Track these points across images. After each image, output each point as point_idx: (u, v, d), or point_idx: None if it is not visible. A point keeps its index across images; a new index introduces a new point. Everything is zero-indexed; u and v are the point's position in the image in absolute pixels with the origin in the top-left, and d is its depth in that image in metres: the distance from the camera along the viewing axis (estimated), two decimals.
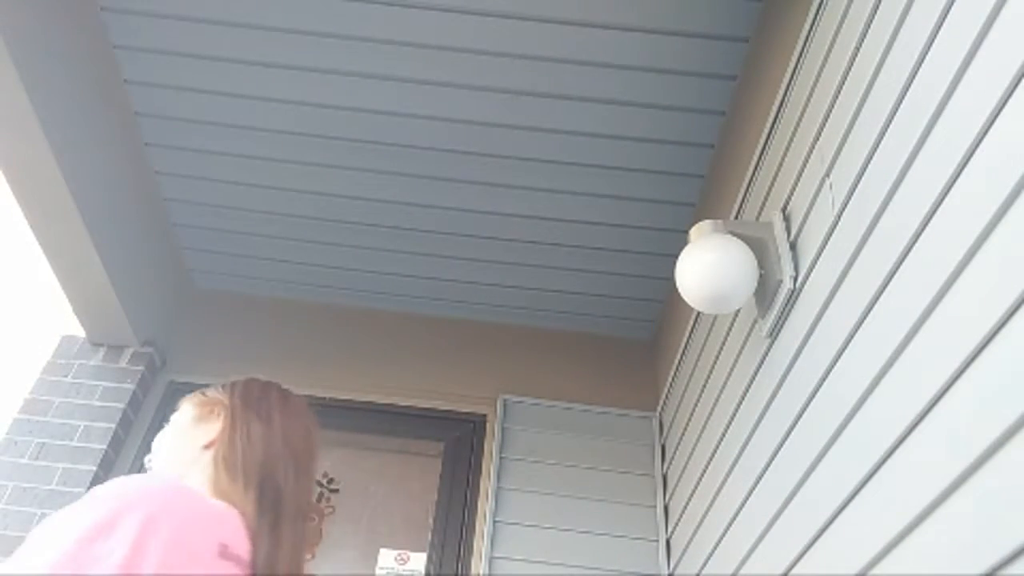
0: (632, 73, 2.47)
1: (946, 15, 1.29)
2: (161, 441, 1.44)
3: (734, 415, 2.12)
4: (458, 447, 3.03)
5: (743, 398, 2.06)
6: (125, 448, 2.92)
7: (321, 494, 2.94)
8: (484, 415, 3.08)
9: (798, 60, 1.91)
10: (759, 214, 2.07)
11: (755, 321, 1.98)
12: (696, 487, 2.42)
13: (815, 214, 1.73)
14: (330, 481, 2.99)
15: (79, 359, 3.05)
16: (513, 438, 2.99)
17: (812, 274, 1.71)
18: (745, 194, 2.21)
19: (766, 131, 2.08)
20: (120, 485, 1.11)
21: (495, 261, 3.10)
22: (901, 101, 1.42)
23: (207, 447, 1.36)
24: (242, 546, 1.17)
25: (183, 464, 1.35)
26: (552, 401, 3.10)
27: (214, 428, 1.39)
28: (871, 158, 1.50)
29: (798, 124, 1.87)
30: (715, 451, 2.26)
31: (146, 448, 2.96)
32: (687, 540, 2.45)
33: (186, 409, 1.47)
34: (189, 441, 1.39)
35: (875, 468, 1.38)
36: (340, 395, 3.02)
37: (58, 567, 0.96)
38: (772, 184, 2.00)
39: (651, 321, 3.30)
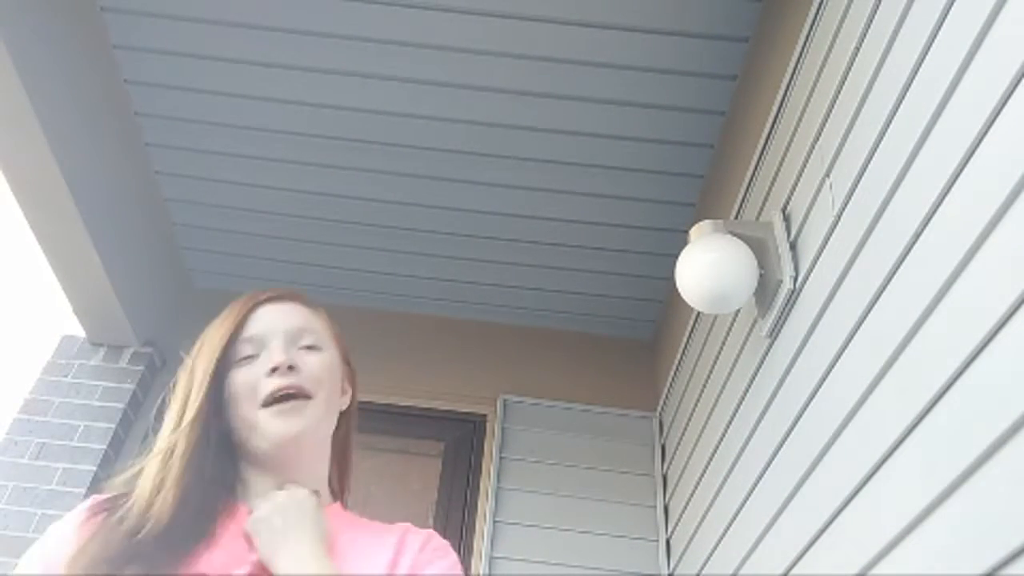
0: (632, 73, 2.47)
1: (946, 15, 1.29)
2: (312, 362, 1.09)
3: (734, 415, 2.12)
4: (458, 447, 3.03)
5: (743, 398, 2.06)
6: (125, 448, 2.92)
7: None
8: (484, 415, 3.08)
9: (798, 60, 1.91)
10: (759, 214, 2.07)
11: (755, 321, 1.98)
12: (696, 487, 2.42)
13: (815, 214, 1.73)
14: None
15: (79, 359, 3.05)
16: (513, 438, 2.99)
17: (812, 274, 1.71)
18: (745, 194, 2.21)
19: (766, 131, 2.08)
20: None
21: (495, 261, 3.10)
22: (901, 101, 1.42)
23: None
24: None
25: (326, 433, 1.11)
26: (552, 401, 3.10)
27: (343, 400, 1.15)
28: (871, 158, 1.50)
29: (798, 124, 1.87)
30: (715, 451, 2.26)
31: (147, 449, 2.96)
32: (687, 540, 2.45)
33: (331, 345, 1.14)
34: (336, 401, 1.13)
35: (875, 468, 1.38)
36: None
37: None
38: (772, 184, 2.00)
39: (651, 321, 3.30)
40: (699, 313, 2.59)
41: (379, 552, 1.01)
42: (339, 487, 1.15)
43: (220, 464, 1.03)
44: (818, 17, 1.82)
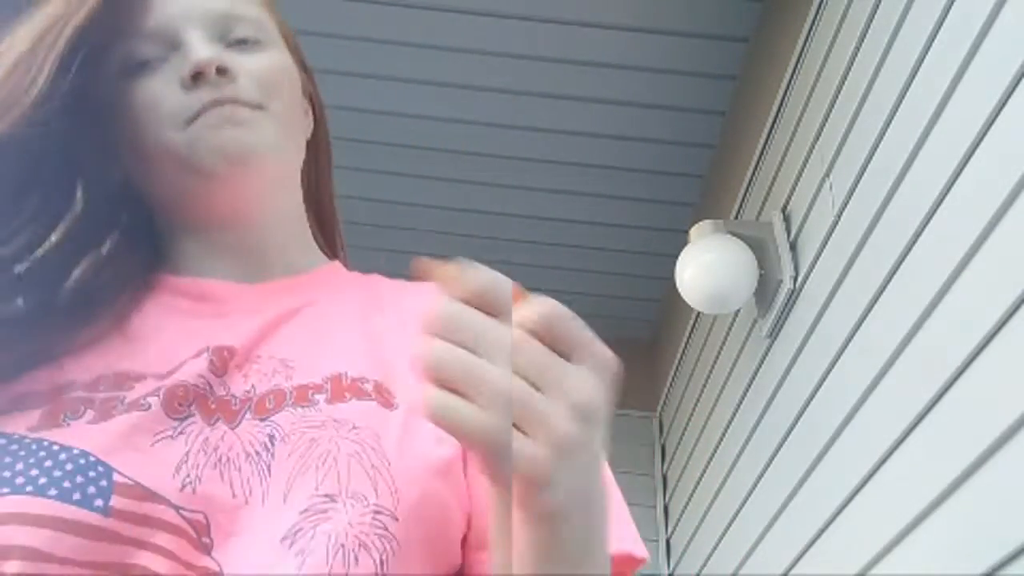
0: (632, 73, 2.47)
1: (946, 15, 1.29)
2: (254, 64, 0.71)
3: (734, 415, 2.12)
4: None
5: (743, 398, 2.06)
6: None
7: None
8: None
9: (798, 60, 1.91)
10: (759, 214, 2.07)
11: (755, 321, 1.98)
12: (696, 487, 2.42)
13: (815, 214, 1.73)
14: None
15: None
16: None
17: (812, 274, 1.71)
18: (745, 194, 2.21)
19: (766, 131, 2.08)
20: None
21: (495, 261, 3.07)
22: (901, 101, 1.42)
23: None
24: None
25: (292, 162, 0.80)
26: None
27: (307, 122, 0.87)
28: (871, 158, 1.50)
29: (798, 124, 1.87)
30: (715, 451, 2.26)
31: None
32: (687, 540, 2.45)
33: (278, 41, 0.76)
34: (300, 121, 0.81)
35: (875, 468, 1.38)
36: None
37: None
38: (772, 184, 2.00)
39: (651, 321, 3.30)
40: (699, 313, 2.59)
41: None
42: (327, 242, 0.82)
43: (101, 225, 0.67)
44: (818, 17, 1.82)
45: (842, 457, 1.51)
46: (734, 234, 1.90)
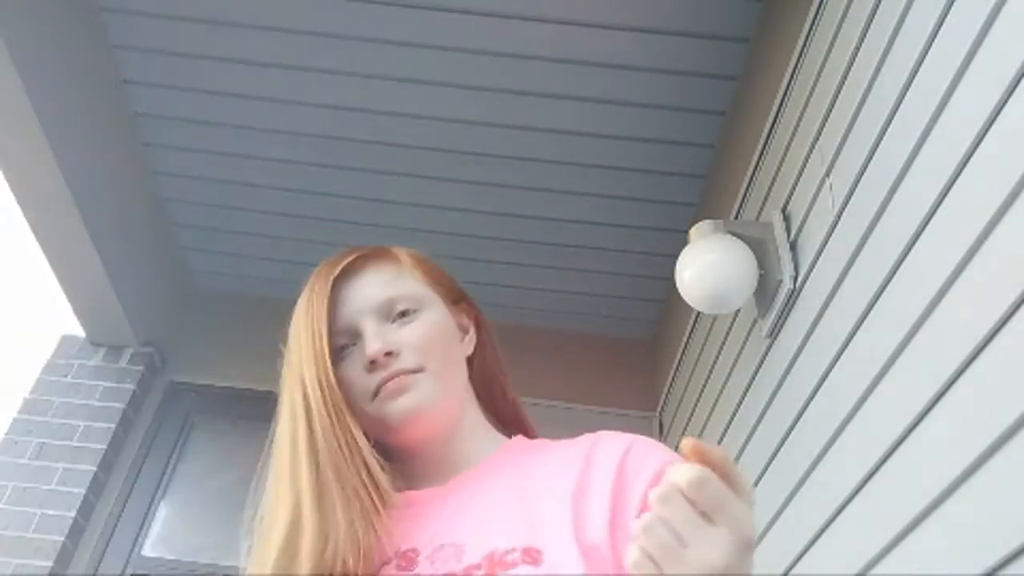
0: (632, 73, 2.47)
1: (946, 15, 1.29)
2: (411, 334, 0.99)
3: (734, 415, 2.12)
4: None
5: (743, 398, 2.06)
6: (125, 448, 2.92)
7: None
8: None
9: (798, 60, 1.91)
10: (759, 214, 2.07)
11: (755, 321, 1.98)
12: None
13: (815, 214, 1.73)
14: None
15: (79, 359, 3.05)
16: None
17: (812, 274, 1.71)
18: (745, 194, 2.21)
19: (766, 131, 2.08)
20: None
21: (495, 261, 3.10)
22: (901, 101, 1.42)
23: None
24: None
25: (454, 391, 1.03)
26: (552, 401, 3.09)
27: (466, 342, 1.09)
28: (871, 158, 1.50)
29: (798, 124, 1.87)
30: None
31: (147, 449, 2.97)
32: None
33: (429, 296, 1.05)
34: (455, 353, 1.04)
35: (875, 468, 1.38)
36: None
37: None
38: (772, 184, 2.00)
39: (651, 321, 3.30)
40: (699, 313, 2.59)
41: (567, 468, 0.89)
42: (511, 422, 1.05)
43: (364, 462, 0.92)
44: (818, 17, 1.82)
45: (842, 457, 1.51)
46: (734, 234, 1.90)
